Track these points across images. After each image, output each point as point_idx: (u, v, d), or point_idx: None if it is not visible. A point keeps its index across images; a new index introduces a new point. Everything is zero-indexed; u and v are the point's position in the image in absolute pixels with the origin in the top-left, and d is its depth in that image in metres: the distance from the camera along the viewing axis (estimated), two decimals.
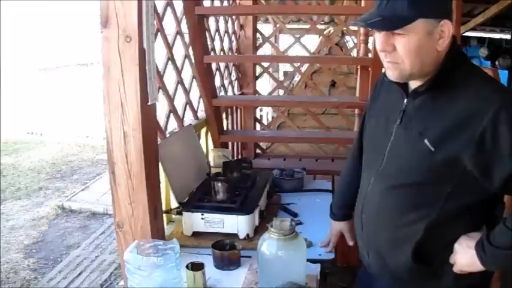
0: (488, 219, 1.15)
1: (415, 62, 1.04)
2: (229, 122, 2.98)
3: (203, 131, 2.44)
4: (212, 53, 2.55)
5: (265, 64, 3.43)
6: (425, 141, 1.07)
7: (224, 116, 2.80)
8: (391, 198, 1.16)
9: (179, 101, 2.18)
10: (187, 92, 2.27)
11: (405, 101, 1.15)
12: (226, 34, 2.92)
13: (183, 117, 2.23)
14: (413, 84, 1.13)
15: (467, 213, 1.12)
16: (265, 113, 5.46)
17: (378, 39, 1.06)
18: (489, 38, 5.10)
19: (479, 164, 1.03)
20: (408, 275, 1.18)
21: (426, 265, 1.15)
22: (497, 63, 4.78)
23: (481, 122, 1.00)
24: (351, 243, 1.51)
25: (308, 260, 1.32)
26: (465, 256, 1.10)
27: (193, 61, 2.28)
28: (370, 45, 2.66)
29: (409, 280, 1.19)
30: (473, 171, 1.04)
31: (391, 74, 1.10)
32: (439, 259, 1.15)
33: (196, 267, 1.30)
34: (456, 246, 1.12)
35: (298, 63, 3.46)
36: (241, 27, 3.12)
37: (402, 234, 1.15)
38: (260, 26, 3.54)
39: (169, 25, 2.06)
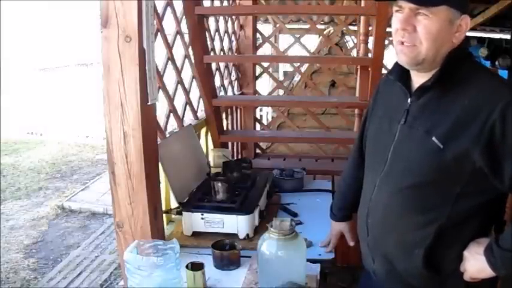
0: (496, 223, 1.14)
1: (432, 47, 1.05)
2: (229, 122, 2.98)
3: (203, 131, 2.44)
4: (212, 53, 2.54)
5: (265, 64, 3.42)
6: (433, 138, 1.05)
7: (224, 116, 2.80)
8: (399, 201, 1.14)
9: (179, 101, 2.18)
10: (187, 92, 2.27)
11: (409, 100, 1.14)
12: (226, 34, 2.92)
13: (183, 117, 2.23)
14: (417, 82, 1.13)
15: (476, 216, 1.10)
16: (265, 113, 5.45)
17: (398, 18, 1.07)
18: (489, 38, 5.09)
19: (489, 159, 1.01)
20: (418, 281, 1.16)
21: (436, 272, 1.13)
22: (497, 63, 4.76)
23: (490, 116, 0.99)
24: (351, 243, 1.50)
25: (308, 260, 1.32)
26: (475, 263, 1.08)
27: (193, 61, 2.27)
28: (370, 45, 2.66)
29: (419, 287, 1.18)
30: (483, 167, 1.03)
31: (404, 58, 1.09)
32: (449, 267, 1.13)
33: (196, 267, 1.30)
34: (465, 253, 1.10)
35: (298, 63, 3.45)
36: (241, 27, 3.12)
37: (412, 238, 1.13)
38: (260, 26, 3.54)
39: (169, 25, 2.06)
